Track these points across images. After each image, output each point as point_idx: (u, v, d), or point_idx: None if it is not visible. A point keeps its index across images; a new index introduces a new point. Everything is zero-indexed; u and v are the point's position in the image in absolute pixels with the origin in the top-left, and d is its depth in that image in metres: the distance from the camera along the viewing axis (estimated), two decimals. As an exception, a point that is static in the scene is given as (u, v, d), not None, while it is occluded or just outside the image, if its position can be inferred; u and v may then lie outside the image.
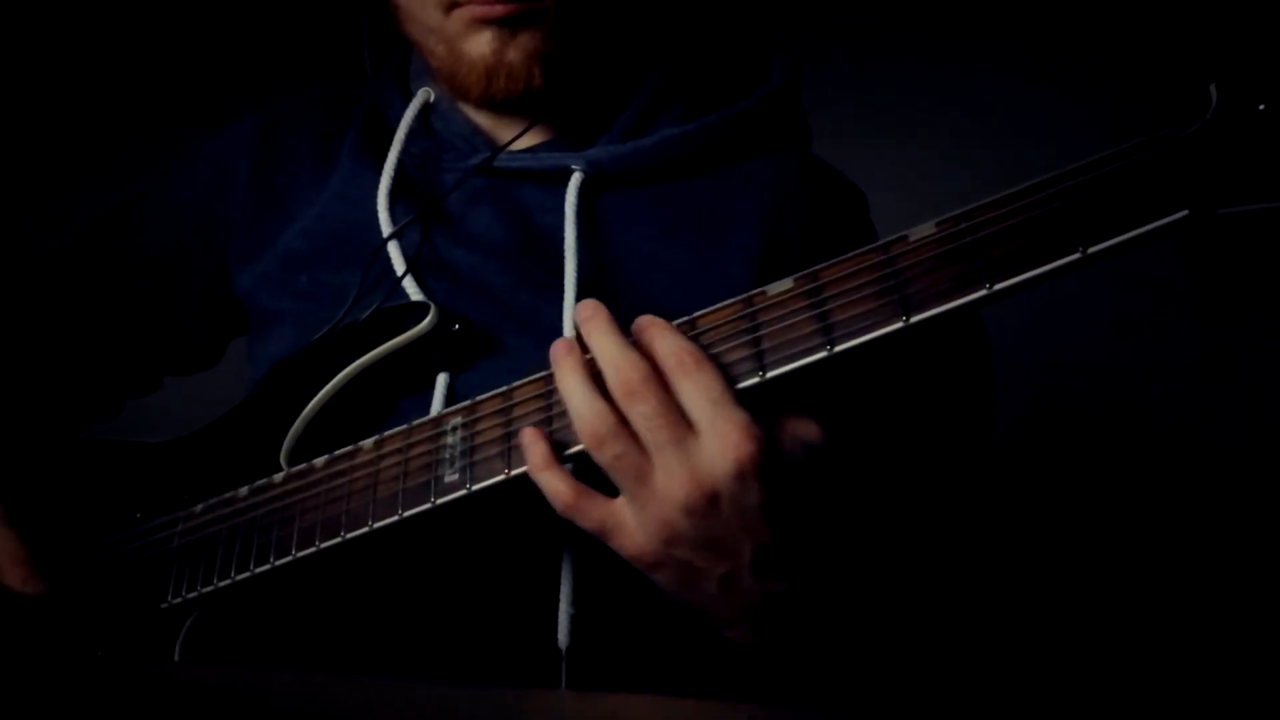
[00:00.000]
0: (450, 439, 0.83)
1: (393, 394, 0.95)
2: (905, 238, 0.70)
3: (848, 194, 1.08)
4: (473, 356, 0.94)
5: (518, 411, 0.80)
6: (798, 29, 1.64)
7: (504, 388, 0.82)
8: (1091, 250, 0.65)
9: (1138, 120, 0.67)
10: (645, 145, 1.00)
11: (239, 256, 1.09)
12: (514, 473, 0.79)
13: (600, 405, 0.72)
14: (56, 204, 1.97)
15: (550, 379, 0.80)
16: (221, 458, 0.97)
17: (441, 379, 0.94)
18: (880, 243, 0.72)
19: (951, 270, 0.67)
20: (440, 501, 0.81)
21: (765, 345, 0.72)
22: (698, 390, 0.71)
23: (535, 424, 0.79)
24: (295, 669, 0.91)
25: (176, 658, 0.90)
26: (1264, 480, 1.75)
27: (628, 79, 1.04)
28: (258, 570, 0.87)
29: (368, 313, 0.96)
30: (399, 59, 1.13)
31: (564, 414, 0.77)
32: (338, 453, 0.89)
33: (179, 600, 0.91)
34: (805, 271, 0.73)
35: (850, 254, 0.72)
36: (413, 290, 0.97)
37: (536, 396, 0.80)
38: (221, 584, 0.89)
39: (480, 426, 0.82)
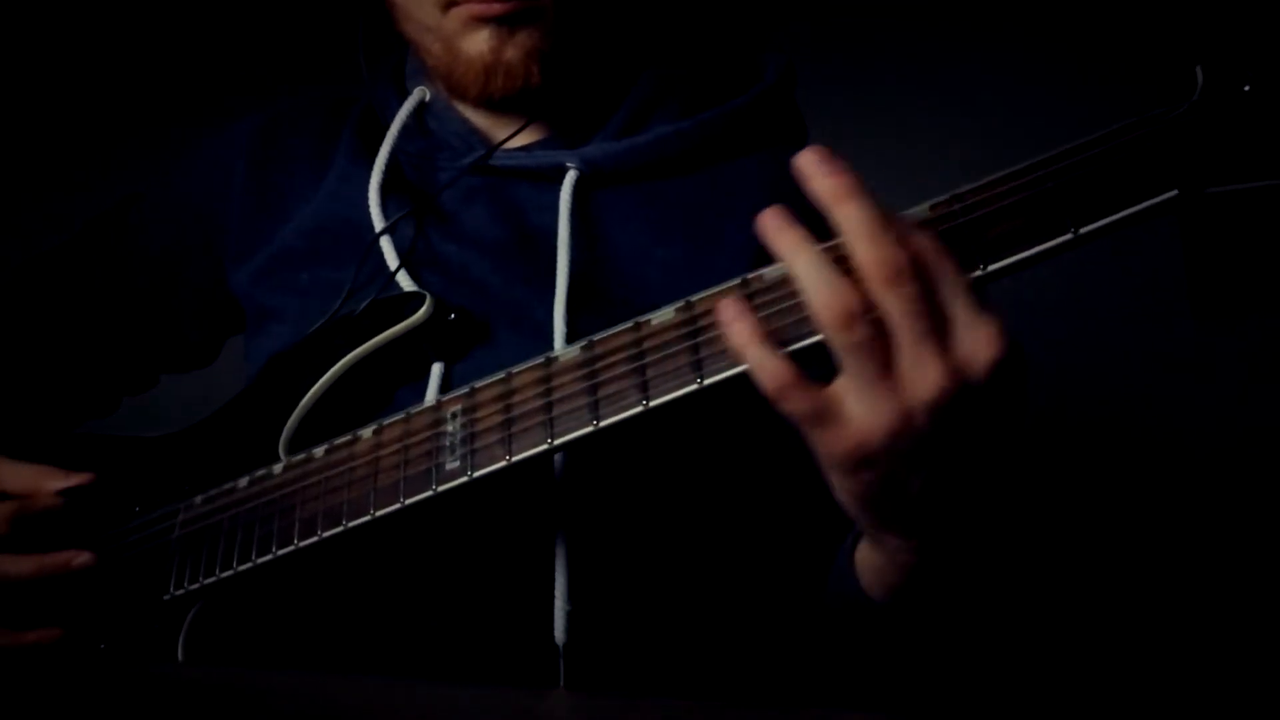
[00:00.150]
0: (450, 426, 0.83)
1: (389, 384, 0.96)
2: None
3: None
4: (468, 346, 0.95)
5: (517, 398, 0.81)
6: (793, 27, 1.64)
7: (502, 374, 0.83)
8: (1084, 230, 0.65)
9: (1128, 106, 0.68)
10: (640, 143, 1.00)
11: (236, 255, 1.10)
12: (515, 459, 0.79)
13: (847, 282, 0.65)
14: (56, 204, 1.97)
15: (548, 364, 0.81)
16: (220, 450, 0.98)
17: (436, 369, 0.94)
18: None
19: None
20: (442, 489, 0.81)
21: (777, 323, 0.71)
22: (958, 285, 0.65)
23: (534, 409, 0.79)
24: (295, 668, 0.91)
25: (179, 651, 0.91)
26: (1264, 480, 1.75)
27: (623, 77, 1.04)
28: (260, 560, 0.87)
29: (364, 303, 0.96)
30: (395, 59, 1.13)
31: (564, 399, 0.78)
32: (337, 441, 0.89)
33: (181, 592, 0.91)
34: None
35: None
36: (407, 284, 0.97)
37: (536, 381, 0.80)
38: (224, 574, 0.89)
39: (480, 413, 0.82)
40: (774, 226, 0.69)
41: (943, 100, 1.92)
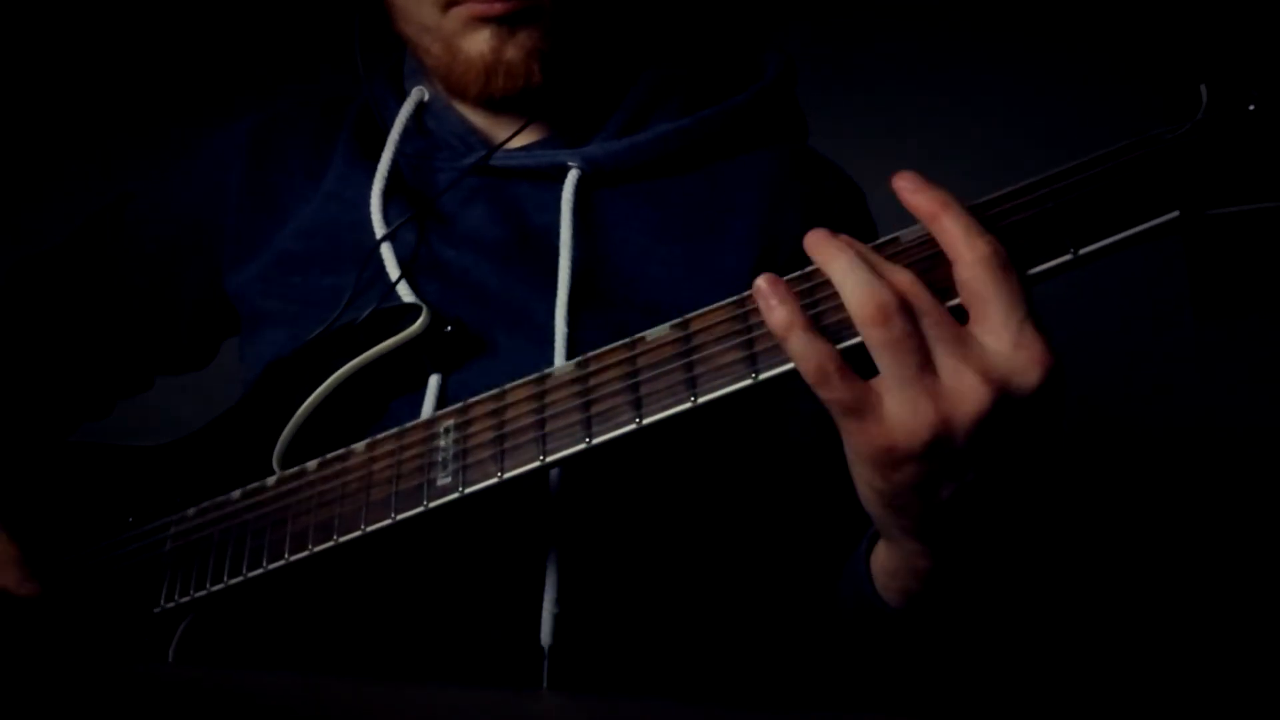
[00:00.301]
0: (443, 441, 0.83)
1: (385, 395, 0.95)
2: (897, 239, 0.70)
3: (846, 187, 1.08)
4: (465, 357, 0.94)
5: (510, 414, 0.80)
6: (794, 26, 1.64)
7: (496, 390, 0.82)
8: (1083, 251, 0.65)
9: (1134, 119, 0.67)
10: (641, 141, 1.00)
11: (233, 257, 1.09)
12: (507, 475, 0.79)
13: (882, 282, 0.66)
14: (56, 204, 1.97)
15: (542, 380, 0.80)
16: (214, 461, 0.97)
17: (433, 380, 0.94)
18: (873, 244, 0.71)
19: (947, 269, 0.67)
20: (433, 504, 0.81)
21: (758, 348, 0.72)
22: (1018, 294, 0.65)
23: (527, 425, 0.79)
24: (285, 669, 0.91)
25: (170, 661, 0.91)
26: (1264, 480, 1.74)
27: (623, 77, 1.04)
28: (251, 574, 0.87)
29: (364, 314, 0.96)
30: (393, 59, 1.13)
31: (557, 416, 0.77)
32: (330, 456, 0.89)
33: (172, 605, 0.91)
34: (798, 273, 0.73)
35: None
36: (405, 292, 0.97)
37: (530, 398, 0.80)
38: (215, 588, 0.89)
39: (473, 429, 0.82)
40: (815, 239, 0.70)
41: (943, 101, 1.92)
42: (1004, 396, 0.64)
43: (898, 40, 1.95)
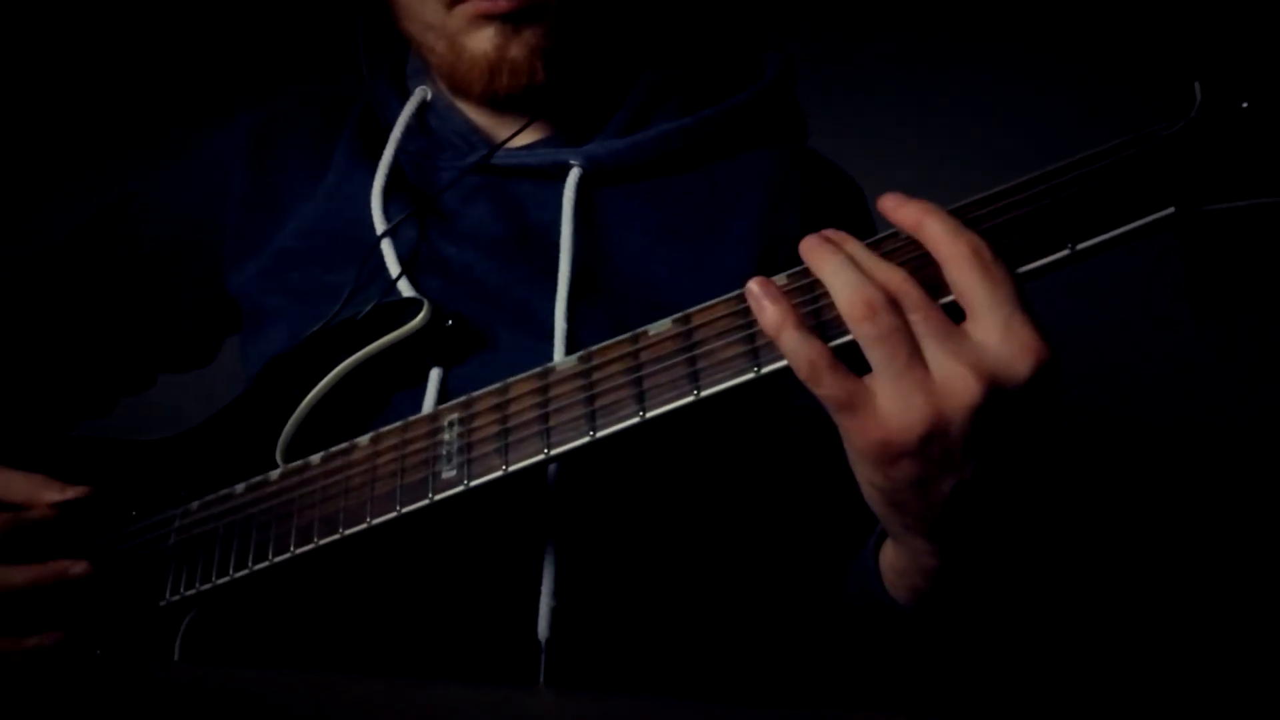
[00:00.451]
0: (447, 435, 0.83)
1: (386, 389, 0.96)
2: (896, 235, 0.71)
3: (846, 186, 1.08)
4: (466, 351, 0.95)
5: (514, 408, 0.81)
6: (794, 26, 1.64)
7: (499, 384, 0.83)
8: (1080, 247, 0.65)
9: (1130, 117, 0.68)
10: (643, 140, 1.00)
11: (234, 254, 1.09)
12: (511, 468, 0.79)
13: (869, 280, 0.67)
14: (56, 204, 1.98)
15: (545, 374, 0.81)
16: (217, 455, 0.97)
17: (434, 374, 0.94)
18: (872, 240, 0.72)
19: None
20: (438, 498, 0.81)
21: (760, 342, 0.72)
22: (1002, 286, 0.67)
23: (531, 419, 0.79)
24: (288, 667, 0.92)
25: (175, 656, 0.91)
26: (1264, 479, 1.75)
27: (624, 76, 1.05)
28: (256, 567, 0.87)
29: (365, 309, 0.96)
30: (396, 58, 1.13)
31: (561, 410, 0.78)
32: (333, 450, 0.89)
33: (177, 598, 0.91)
34: (797, 268, 0.74)
35: None
36: (405, 288, 0.97)
37: (534, 391, 0.80)
38: (220, 581, 0.89)
39: (477, 423, 0.82)
40: (809, 244, 0.71)
41: (943, 101, 1.92)
42: (995, 388, 0.65)
43: (898, 40, 1.95)
